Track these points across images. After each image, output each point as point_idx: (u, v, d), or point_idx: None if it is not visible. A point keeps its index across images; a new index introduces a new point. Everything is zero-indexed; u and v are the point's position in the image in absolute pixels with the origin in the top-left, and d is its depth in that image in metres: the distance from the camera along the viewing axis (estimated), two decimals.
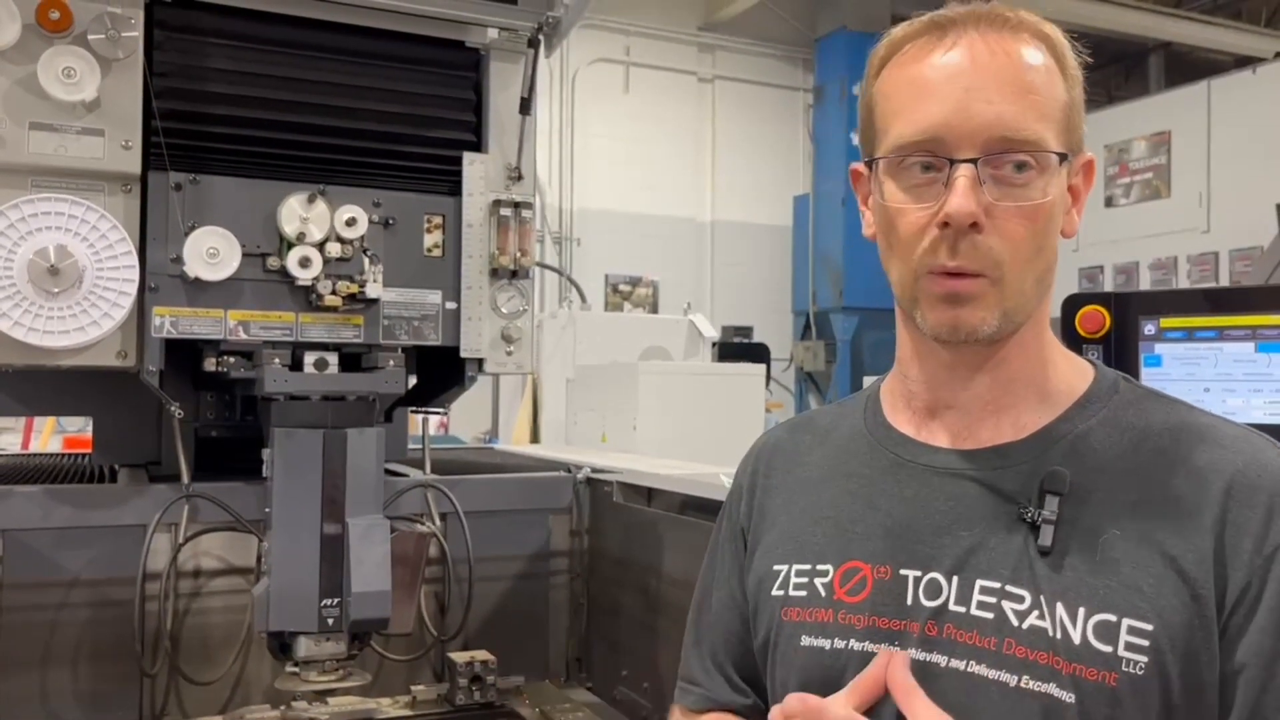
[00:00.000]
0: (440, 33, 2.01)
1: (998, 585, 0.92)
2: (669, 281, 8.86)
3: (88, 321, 1.70)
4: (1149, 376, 1.47)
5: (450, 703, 2.08)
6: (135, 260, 1.74)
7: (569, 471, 2.48)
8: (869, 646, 0.95)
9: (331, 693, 1.90)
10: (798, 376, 9.46)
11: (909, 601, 0.95)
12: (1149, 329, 1.47)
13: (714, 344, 5.27)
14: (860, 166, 1.04)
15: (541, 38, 2.03)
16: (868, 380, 1.59)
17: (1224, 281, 7.11)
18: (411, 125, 2.00)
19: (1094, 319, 1.51)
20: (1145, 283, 7.71)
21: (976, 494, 0.96)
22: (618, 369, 3.46)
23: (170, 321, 1.83)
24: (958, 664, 0.91)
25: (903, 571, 0.96)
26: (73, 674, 2.01)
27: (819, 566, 1.01)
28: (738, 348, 8.52)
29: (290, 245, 1.86)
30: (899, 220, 0.95)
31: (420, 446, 2.32)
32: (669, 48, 9.13)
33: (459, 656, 2.10)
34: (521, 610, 2.38)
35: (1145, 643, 0.86)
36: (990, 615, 0.91)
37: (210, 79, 1.86)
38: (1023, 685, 0.88)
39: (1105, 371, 1.03)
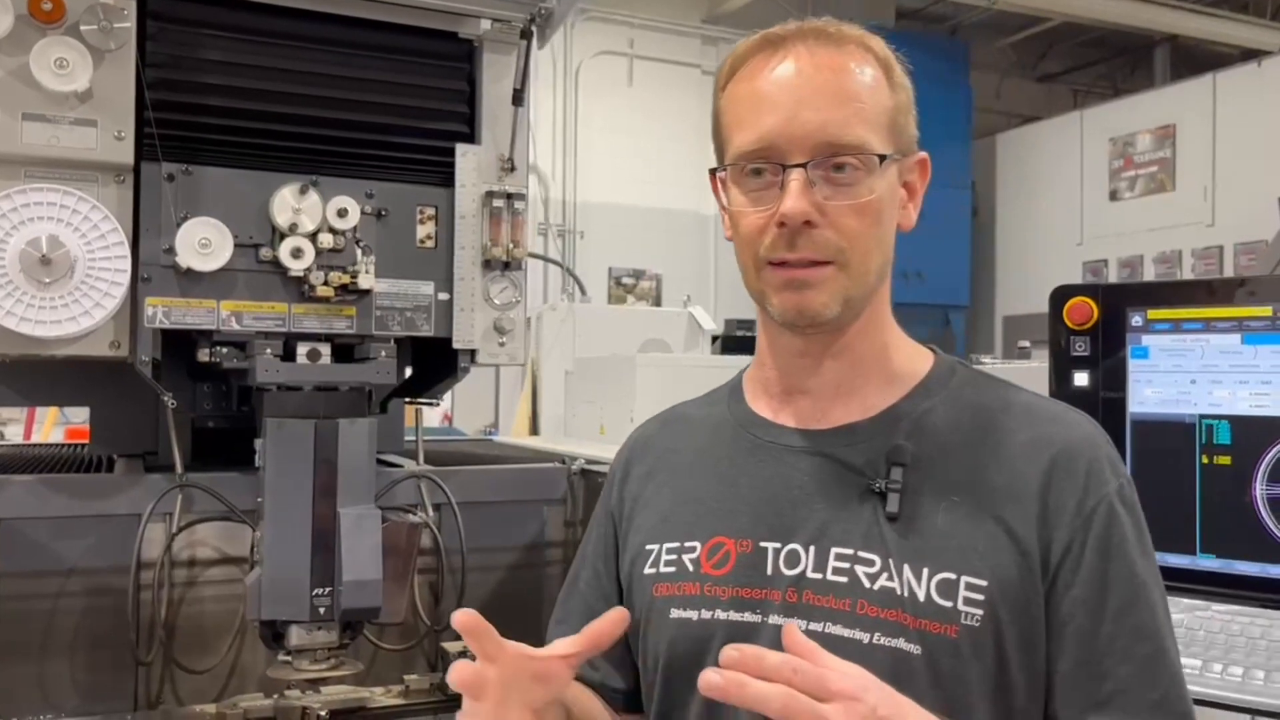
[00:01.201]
0: (433, 24, 2.01)
1: (851, 551, 1.00)
2: (672, 274, 8.85)
3: (79, 311, 1.71)
4: (1136, 368, 1.47)
5: (443, 692, 2.09)
6: (127, 250, 1.75)
7: (563, 463, 2.48)
8: (733, 615, 1.03)
9: (324, 681, 1.92)
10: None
11: (769, 572, 1.03)
12: (1136, 320, 1.47)
13: (715, 337, 5.27)
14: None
15: (534, 29, 2.04)
16: None
17: (1229, 275, 7.08)
18: (404, 116, 2.00)
19: (1081, 310, 1.50)
20: (1150, 277, 7.68)
21: (829, 469, 1.05)
22: (615, 361, 3.46)
23: (163, 312, 1.84)
24: (816, 626, 0.98)
25: (763, 544, 1.04)
26: (69, 662, 2.02)
27: (687, 544, 1.08)
28: (741, 341, 8.50)
29: (283, 236, 1.87)
30: (742, 222, 1.04)
31: (429, 438, 2.33)
32: (673, 41, 9.10)
33: (452, 646, 2.11)
34: (515, 601, 2.39)
35: (981, 597, 0.96)
36: (845, 579, 1.00)
37: (203, 69, 1.87)
38: (875, 641, 0.97)
39: (943, 357, 1.13)
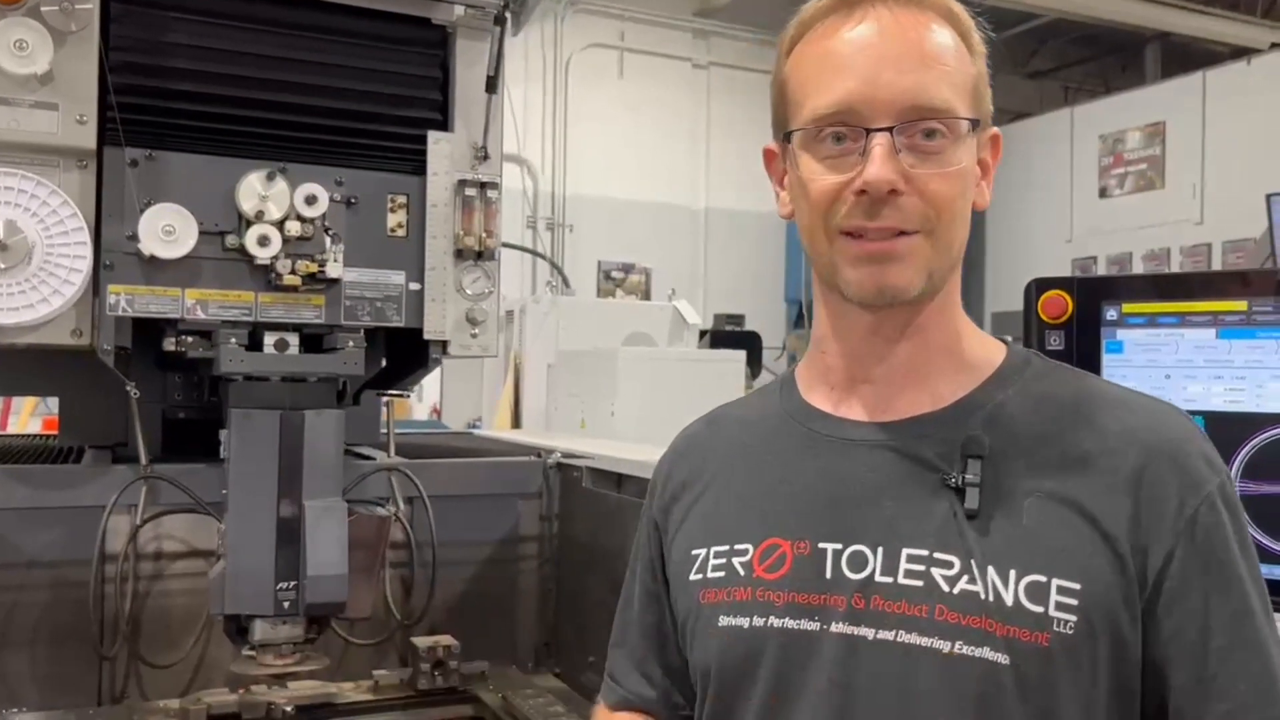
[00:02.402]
0: (405, 9, 1.98)
1: (925, 553, 0.91)
2: (662, 269, 8.82)
3: (37, 299, 1.67)
4: (1110, 363, 1.44)
5: (413, 688, 2.07)
6: (87, 237, 1.71)
7: (539, 456, 2.45)
8: (789, 623, 0.94)
9: (290, 677, 1.89)
10: (790, 365, 9.44)
11: (829, 575, 0.94)
12: (1111, 314, 1.44)
13: (703, 332, 5.25)
14: (774, 146, 1.04)
15: (508, 15, 2.00)
16: None
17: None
18: (375, 103, 1.97)
19: (1056, 304, 1.48)
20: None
21: (897, 464, 0.96)
22: (597, 355, 3.44)
23: (126, 300, 1.80)
24: (886, 635, 0.90)
25: (821, 545, 0.96)
26: (30, 656, 1.99)
27: (738, 546, 1.00)
28: (729, 336, 8.48)
29: (249, 223, 1.83)
30: (813, 188, 0.95)
31: (406, 431, 2.30)
32: (663, 33, 9.06)
33: (422, 641, 2.08)
34: (490, 596, 2.36)
35: (1074, 602, 0.87)
36: (919, 583, 0.90)
37: (168, 53, 1.83)
38: (957, 651, 0.88)
39: (1017, 348, 1.04)
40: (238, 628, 1.84)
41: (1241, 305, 1.34)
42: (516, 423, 4.12)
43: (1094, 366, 1.45)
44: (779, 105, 1.01)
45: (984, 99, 0.98)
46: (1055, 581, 0.88)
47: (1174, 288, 1.41)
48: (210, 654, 2.07)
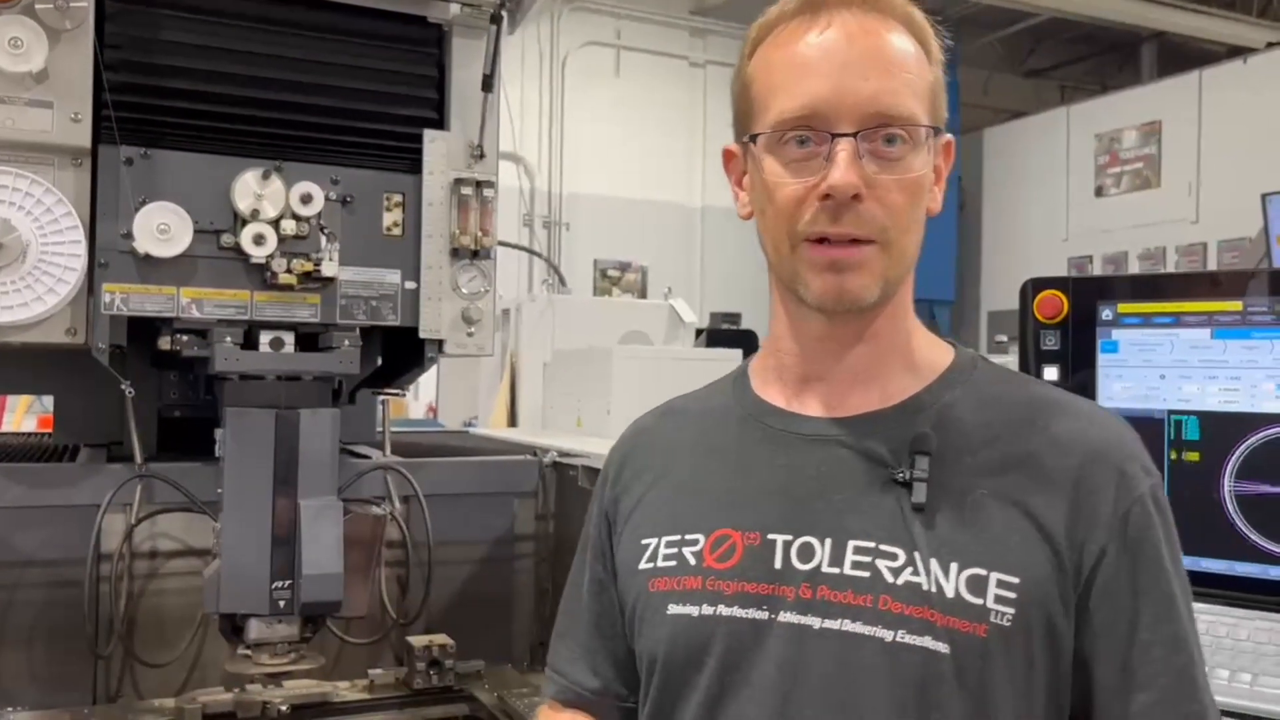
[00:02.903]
0: (401, 7, 1.98)
1: (872, 545, 0.94)
2: (658, 267, 8.81)
3: (32, 297, 1.67)
4: (1106, 362, 1.45)
5: (408, 686, 2.06)
6: (82, 235, 1.71)
7: (535, 455, 2.45)
8: (738, 612, 0.96)
9: (285, 676, 1.88)
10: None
11: (778, 565, 0.96)
12: (1106, 314, 1.45)
13: (699, 330, 5.24)
14: (734, 147, 1.06)
15: (505, 13, 2.00)
16: None
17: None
18: (371, 101, 1.96)
19: (1052, 304, 1.48)
20: (1134, 273, 7.69)
21: (847, 459, 0.99)
22: (593, 353, 3.44)
23: (121, 299, 1.80)
24: (832, 624, 0.93)
25: (770, 536, 0.98)
26: (26, 655, 1.98)
27: (689, 536, 1.02)
28: (726, 334, 8.48)
29: (244, 222, 1.83)
30: (778, 193, 0.97)
31: (404, 430, 2.29)
32: (661, 32, 9.05)
33: (417, 640, 2.08)
34: (485, 595, 2.36)
35: (1012, 595, 0.91)
36: (866, 574, 0.93)
37: (163, 51, 1.83)
38: (899, 640, 0.91)
39: (964, 351, 1.08)
40: (233, 627, 1.84)
41: (1237, 305, 1.34)
42: (513, 421, 4.12)
43: (1089, 366, 1.45)
44: (741, 106, 1.03)
45: (941, 106, 1.00)
46: (995, 575, 0.91)
47: (1169, 288, 1.41)
48: (205, 653, 2.07)
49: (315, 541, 1.78)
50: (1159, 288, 1.43)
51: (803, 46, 0.96)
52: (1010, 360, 2.86)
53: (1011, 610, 0.90)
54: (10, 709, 1.94)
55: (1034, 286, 1.52)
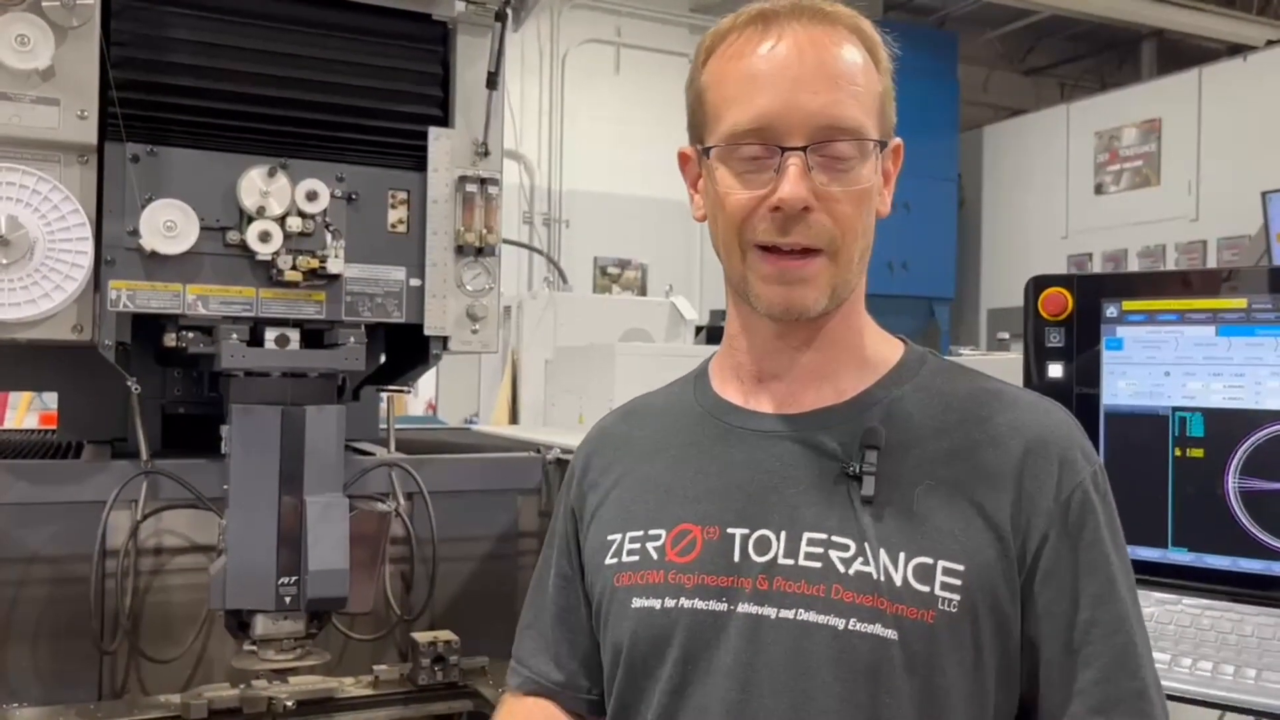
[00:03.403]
0: (406, 5, 1.98)
1: (824, 536, 0.98)
2: (658, 264, 8.81)
3: (39, 294, 1.67)
4: (1110, 359, 1.45)
5: (413, 682, 2.07)
6: (89, 232, 1.71)
7: (538, 452, 2.45)
8: (698, 604, 1.00)
9: (290, 672, 1.89)
10: None
11: (737, 559, 1.00)
12: (1111, 311, 1.45)
13: (699, 327, 5.24)
14: (688, 150, 1.09)
15: (509, 11, 2.00)
16: None
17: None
18: (376, 99, 1.97)
19: (1056, 301, 1.49)
20: (1134, 271, 7.70)
21: (802, 454, 1.03)
22: (595, 350, 3.44)
23: (127, 295, 1.80)
24: (787, 614, 0.96)
25: (729, 530, 1.01)
26: (32, 651, 1.99)
27: (651, 531, 1.06)
28: (724, 331, 8.46)
29: (250, 219, 1.83)
30: (728, 202, 1.00)
31: (403, 427, 2.30)
32: (660, 29, 9.05)
33: (422, 636, 2.08)
34: (489, 591, 2.36)
35: (958, 582, 0.95)
36: (818, 565, 0.97)
37: (170, 48, 1.83)
38: (850, 628, 0.94)
39: (914, 346, 1.12)
40: (239, 623, 1.84)
41: (1241, 303, 1.35)
42: (514, 418, 4.12)
43: (1094, 363, 1.46)
44: (696, 113, 1.06)
45: (890, 114, 1.04)
46: (941, 563, 0.95)
47: (1174, 285, 1.42)
48: (211, 649, 2.07)
49: (321, 538, 1.78)
50: (1164, 285, 1.44)
51: (754, 60, 0.99)
52: (1013, 358, 2.87)
53: (957, 597, 0.94)
54: (16, 705, 1.94)
55: (1039, 284, 1.52)
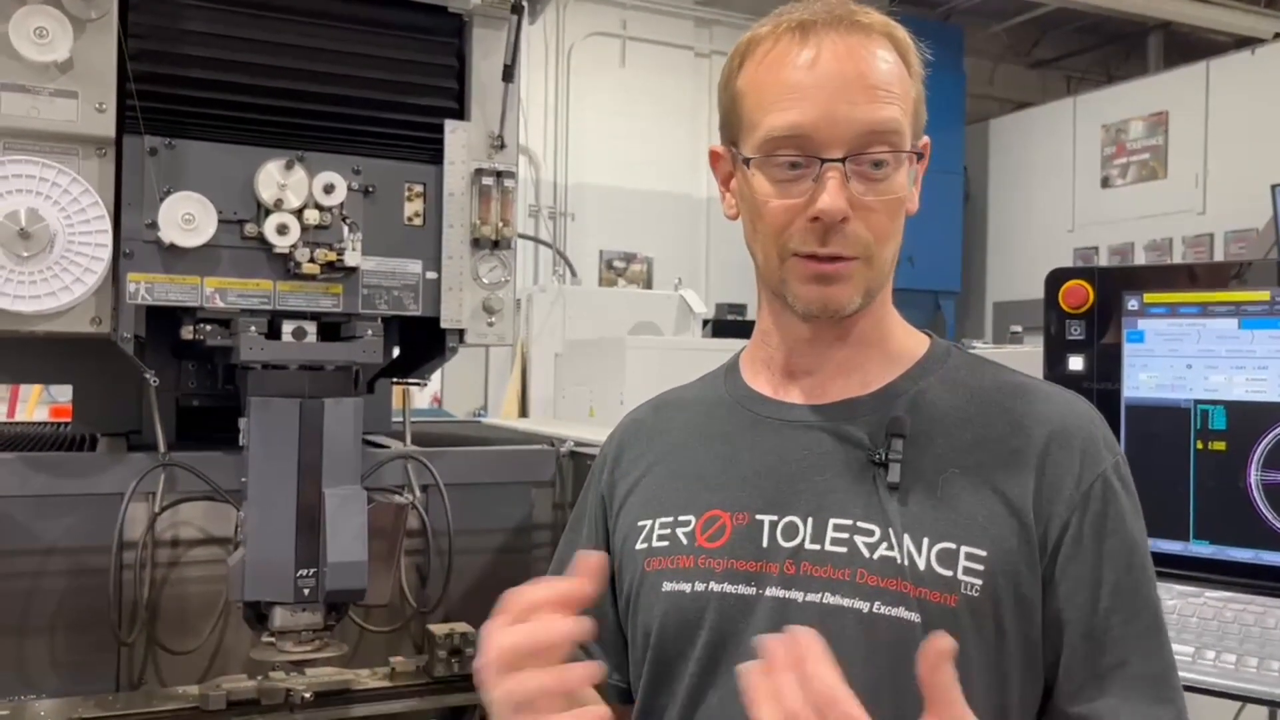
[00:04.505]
0: None
1: (850, 522, 1.01)
2: (663, 258, 8.81)
3: (59, 286, 1.67)
4: (1132, 352, 1.45)
5: (429, 674, 2.07)
6: (108, 225, 1.71)
7: (552, 445, 2.46)
8: (728, 588, 1.03)
9: (308, 663, 1.89)
10: None
11: (765, 544, 1.03)
12: (1132, 304, 1.45)
13: (706, 320, 5.25)
14: (720, 149, 1.11)
15: (525, 4, 2.00)
16: None
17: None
18: (392, 91, 1.97)
19: (1077, 293, 1.49)
20: (1141, 264, 7.68)
21: (829, 443, 1.06)
22: (605, 343, 3.45)
23: (145, 288, 1.81)
24: (813, 597, 0.99)
25: (759, 517, 1.04)
26: (49, 643, 1.99)
27: (681, 518, 1.08)
28: (732, 324, 8.49)
29: (268, 212, 1.83)
30: (765, 210, 1.03)
31: (414, 419, 2.30)
32: (666, 22, 9.04)
33: (438, 629, 2.09)
34: (504, 583, 2.32)
35: (980, 567, 0.97)
36: (844, 549, 1.00)
37: (187, 41, 1.83)
38: (875, 610, 0.97)
39: (939, 340, 1.15)
40: (257, 614, 1.85)
41: (1264, 295, 1.35)
42: (524, 411, 4.13)
43: (1115, 355, 1.46)
44: (730, 116, 1.08)
45: (921, 119, 1.06)
46: (964, 549, 0.97)
47: (1196, 277, 1.42)
48: (228, 640, 2.08)
49: (340, 530, 1.79)
50: (1185, 277, 1.44)
51: (791, 70, 1.01)
52: (1027, 351, 2.87)
53: (980, 581, 0.96)
54: (34, 695, 1.95)
55: (1059, 276, 1.52)
